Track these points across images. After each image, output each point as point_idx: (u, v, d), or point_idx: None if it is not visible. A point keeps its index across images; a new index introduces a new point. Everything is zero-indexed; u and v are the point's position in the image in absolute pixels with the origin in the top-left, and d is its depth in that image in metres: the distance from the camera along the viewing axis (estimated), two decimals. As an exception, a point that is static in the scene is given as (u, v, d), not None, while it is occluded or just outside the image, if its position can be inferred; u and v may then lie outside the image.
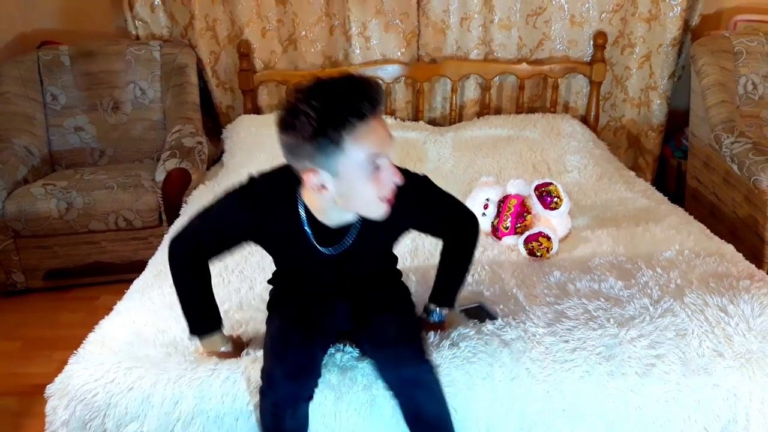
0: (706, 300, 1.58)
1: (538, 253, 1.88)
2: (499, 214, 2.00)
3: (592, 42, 2.97)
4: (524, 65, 2.98)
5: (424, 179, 1.37)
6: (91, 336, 1.50)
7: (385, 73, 2.94)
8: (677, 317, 1.53)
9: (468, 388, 1.41)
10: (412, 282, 1.70)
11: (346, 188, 1.16)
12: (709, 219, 2.71)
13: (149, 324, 1.54)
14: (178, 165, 2.46)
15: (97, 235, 2.56)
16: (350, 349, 1.46)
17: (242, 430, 1.37)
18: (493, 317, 1.57)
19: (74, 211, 2.50)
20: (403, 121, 2.98)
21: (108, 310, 1.64)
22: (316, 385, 1.31)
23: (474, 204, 2.01)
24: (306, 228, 1.28)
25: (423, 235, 1.66)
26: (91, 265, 2.59)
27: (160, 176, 2.45)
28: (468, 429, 1.40)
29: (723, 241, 1.97)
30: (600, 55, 2.95)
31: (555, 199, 1.96)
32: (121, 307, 1.64)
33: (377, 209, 1.20)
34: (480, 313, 1.58)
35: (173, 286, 1.37)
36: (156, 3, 2.98)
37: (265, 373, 1.28)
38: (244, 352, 1.45)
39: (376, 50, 2.99)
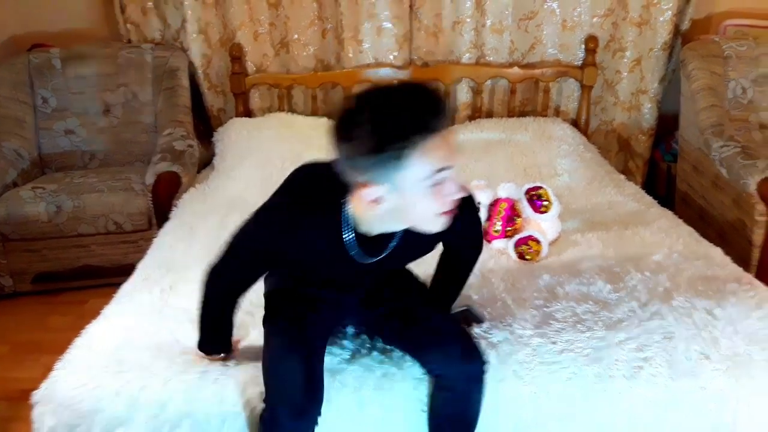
0: (693, 303, 1.59)
1: (528, 257, 1.88)
2: (489, 218, 2.01)
3: (583, 46, 2.98)
4: (516, 69, 2.99)
5: (469, 194, 1.32)
6: (77, 341, 1.49)
7: (378, 77, 2.94)
8: (665, 320, 1.54)
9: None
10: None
11: (404, 203, 1.08)
12: (698, 222, 2.72)
13: (136, 328, 1.53)
14: (169, 168, 2.46)
15: (87, 239, 2.55)
16: (339, 351, 1.46)
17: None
18: (480, 320, 1.57)
19: (63, 215, 2.49)
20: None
21: (97, 314, 1.63)
22: (320, 411, 1.28)
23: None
24: (349, 240, 1.21)
25: None
26: (80, 268, 2.58)
27: (150, 179, 2.45)
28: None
29: (711, 244, 1.97)
30: (591, 60, 2.96)
31: (545, 203, 1.97)
32: (108, 311, 1.63)
33: (435, 223, 1.14)
34: (467, 317, 1.58)
35: (199, 305, 1.36)
36: (148, 6, 2.98)
37: (269, 408, 1.26)
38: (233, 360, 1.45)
39: (369, 54, 3.00)
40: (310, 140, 2.68)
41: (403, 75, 2.96)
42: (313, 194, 1.21)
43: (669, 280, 1.69)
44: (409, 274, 1.54)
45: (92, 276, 2.58)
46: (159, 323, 1.54)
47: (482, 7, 2.93)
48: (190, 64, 2.99)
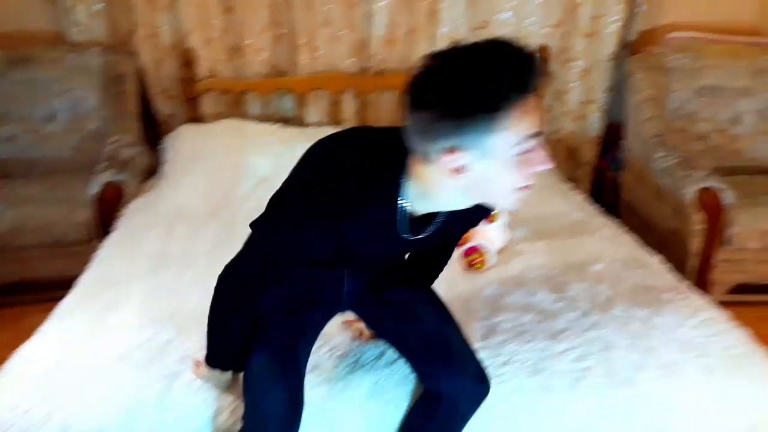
0: (632, 313, 1.63)
1: (475, 267, 1.90)
2: (438, 228, 2.02)
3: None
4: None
5: None
6: (9, 361, 1.44)
7: (332, 84, 2.94)
8: (605, 330, 1.58)
9: (403, 402, 1.41)
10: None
11: (490, 172, 0.98)
12: (642, 230, 2.79)
13: (73, 347, 1.48)
14: (113, 178, 2.39)
15: (27, 251, 2.45)
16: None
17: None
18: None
19: (2, 225, 2.40)
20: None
21: (35, 331, 1.58)
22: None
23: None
24: (400, 218, 1.10)
25: None
26: (19, 282, 2.48)
27: (94, 189, 2.38)
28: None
29: (652, 253, 2.04)
30: (543, 69, 3.00)
31: (493, 212, 1.99)
32: (45, 329, 1.57)
33: (511, 199, 1.03)
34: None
35: (217, 311, 1.23)
36: (96, 8, 2.90)
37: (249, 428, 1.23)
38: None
39: (324, 60, 2.99)
40: (262, 147, 2.66)
41: (360, 82, 2.96)
42: (366, 170, 1.07)
43: (609, 289, 1.74)
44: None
45: (32, 291, 2.47)
46: (97, 342, 1.50)
47: (436, 16, 2.95)
48: (140, 69, 2.93)
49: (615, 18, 2.98)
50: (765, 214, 2.47)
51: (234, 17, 2.92)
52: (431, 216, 1.13)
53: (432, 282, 1.49)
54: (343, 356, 1.48)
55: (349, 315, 1.48)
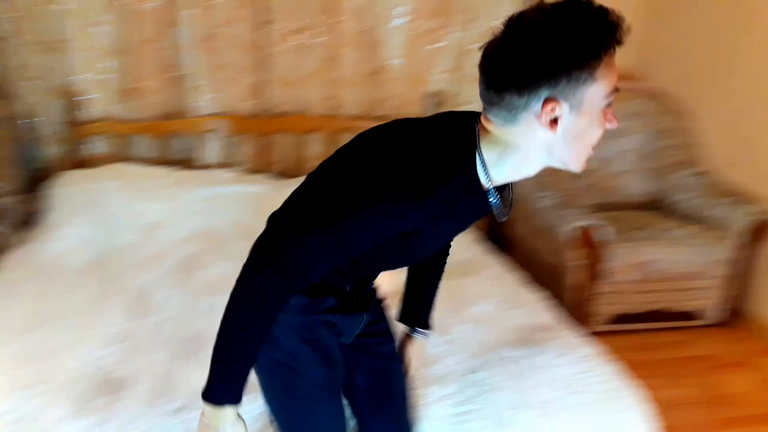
0: (512, 353, 1.71)
1: (366, 312, 1.93)
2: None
3: (430, 100, 3.16)
4: (367, 122, 3.09)
5: None
6: None
7: (230, 127, 2.92)
8: (486, 372, 1.64)
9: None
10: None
11: (577, 126, 0.99)
12: (528, 265, 2.94)
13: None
14: (-13, 228, 2.26)
15: None
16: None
17: None
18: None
19: None
20: (247, 174, 2.96)
21: None
22: None
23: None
24: (486, 183, 1.06)
25: None
26: None
27: (-35, 241, 2.23)
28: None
29: (536, 290, 2.14)
30: (436, 113, 3.13)
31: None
32: None
33: (582, 159, 1.05)
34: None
35: (225, 328, 1.04)
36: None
37: None
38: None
39: (220, 102, 2.97)
40: (153, 192, 2.59)
41: (257, 124, 2.96)
42: (438, 142, 1.04)
43: (492, 330, 1.81)
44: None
45: None
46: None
47: (334, 60, 3.02)
48: (22, 113, 2.78)
49: (501, 65, 3.16)
50: (639, 248, 2.67)
51: (126, 59, 2.85)
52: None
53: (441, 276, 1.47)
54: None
55: None
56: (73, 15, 2.71)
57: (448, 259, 1.47)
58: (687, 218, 2.94)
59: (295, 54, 2.97)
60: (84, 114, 2.81)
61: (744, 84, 2.87)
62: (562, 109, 0.97)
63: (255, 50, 2.92)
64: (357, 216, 1.01)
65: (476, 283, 2.12)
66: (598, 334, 2.70)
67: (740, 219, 2.73)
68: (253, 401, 1.30)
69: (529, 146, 1.02)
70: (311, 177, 1.18)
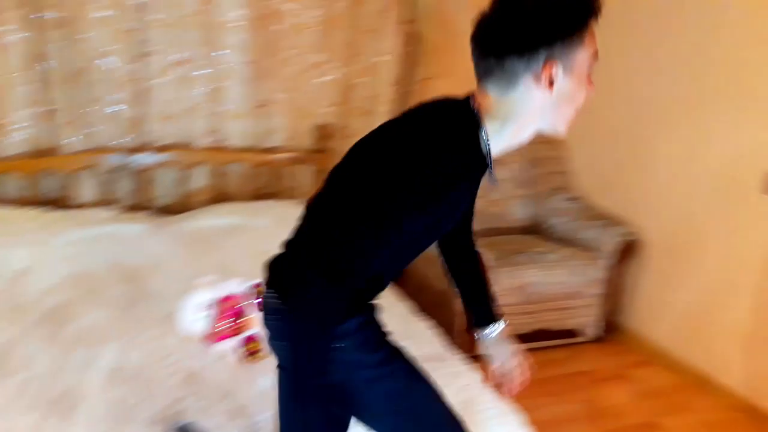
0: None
1: (254, 356, 1.88)
2: (215, 317, 1.97)
3: (317, 133, 3.17)
4: (253, 154, 3.06)
5: None
6: None
7: (109, 162, 2.78)
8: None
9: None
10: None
11: (569, 88, 1.10)
12: (419, 292, 3.01)
13: None
14: None
15: None
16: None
17: None
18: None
19: None
20: (126, 212, 2.81)
21: None
22: None
23: (188, 309, 1.96)
24: (489, 161, 1.15)
25: None
26: None
27: None
28: None
29: (424, 318, 2.18)
30: (324, 146, 3.15)
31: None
32: None
33: (568, 120, 1.16)
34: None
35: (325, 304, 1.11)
36: None
37: None
38: None
39: (98, 137, 2.82)
40: (18, 236, 2.40)
41: (136, 159, 2.84)
42: (464, 120, 1.11)
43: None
44: None
45: None
46: None
47: (218, 93, 2.96)
48: None
49: (387, 98, 3.24)
50: (519, 272, 2.80)
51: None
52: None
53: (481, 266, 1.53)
54: None
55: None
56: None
57: None
58: (563, 241, 3.13)
59: (176, 87, 2.89)
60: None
61: (610, 115, 3.11)
62: (557, 70, 1.07)
63: (133, 83, 2.81)
64: (415, 192, 1.08)
65: (365, 317, 2.12)
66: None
67: (610, 240, 2.94)
68: None
69: (527, 111, 1.12)
70: (333, 188, 1.20)
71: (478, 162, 1.13)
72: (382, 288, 1.33)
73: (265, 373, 1.76)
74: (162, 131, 2.93)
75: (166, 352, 1.90)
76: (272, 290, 1.17)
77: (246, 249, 2.61)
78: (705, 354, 2.73)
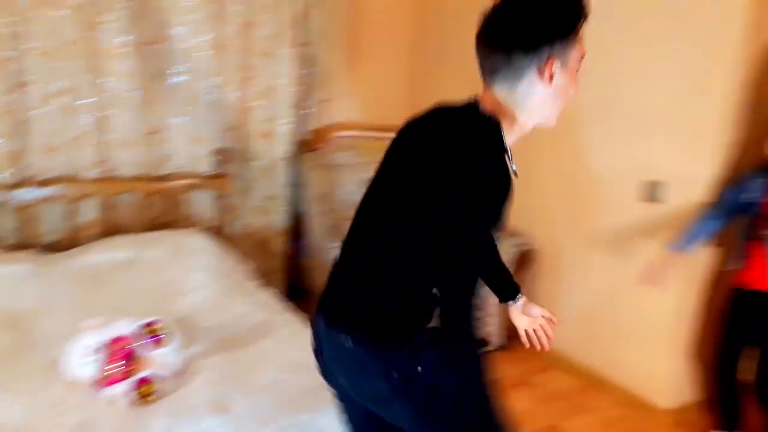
0: (294, 420, 1.70)
1: (147, 399, 1.80)
2: (105, 360, 1.88)
3: (215, 157, 3.10)
4: (147, 183, 2.95)
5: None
6: None
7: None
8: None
9: None
10: None
11: (563, 82, 1.24)
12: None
13: None
14: None
15: None
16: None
17: None
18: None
19: None
20: (8, 251, 2.63)
21: None
22: None
23: (75, 353, 1.86)
24: (512, 163, 1.27)
25: None
26: None
27: None
28: None
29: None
30: (223, 170, 3.09)
31: (162, 336, 1.93)
32: None
33: (558, 114, 1.30)
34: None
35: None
36: None
37: None
38: None
39: (-30, 173, 2.63)
40: None
41: (17, 195, 2.66)
42: (493, 125, 1.24)
43: (275, 398, 1.78)
44: None
45: None
46: None
47: (105, 121, 2.84)
48: None
49: (286, 121, 3.22)
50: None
51: None
52: None
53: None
54: None
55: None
56: None
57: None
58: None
59: (59, 116, 2.75)
60: None
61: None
62: (556, 66, 1.22)
63: (9, 115, 2.64)
64: (481, 198, 1.20)
65: (268, 347, 2.08)
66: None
67: (506, 251, 3.05)
68: None
69: (532, 103, 1.26)
70: (397, 218, 1.27)
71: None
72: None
73: (159, 417, 1.70)
74: (45, 164, 2.77)
75: (51, 402, 1.78)
76: (367, 332, 1.24)
77: (141, 284, 2.51)
78: (600, 355, 2.89)
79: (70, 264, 2.54)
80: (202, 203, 3.16)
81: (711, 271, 2.59)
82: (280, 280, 3.37)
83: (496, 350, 3.14)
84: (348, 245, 1.36)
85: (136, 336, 1.93)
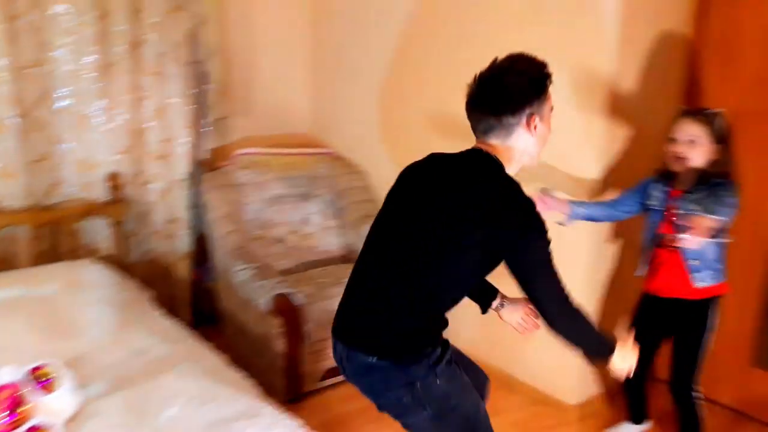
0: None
1: (37, 449, 1.68)
2: (-12, 412, 1.74)
3: (108, 182, 2.95)
4: (35, 213, 2.78)
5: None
6: None
7: None
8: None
9: None
10: None
11: (542, 130, 1.57)
12: (238, 337, 2.93)
13: None
14: None
15: None
16: None
17: None
18: None
19: None
20: None
21: None
22: None
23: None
24: None
25: None
26: None
27: None
28: None
29: (236, 373, 2.11)
30: (117, 196, 2.95)
31: (52, 380, 1.81)
32: None
33: (540, 153, 1.62)
34: None
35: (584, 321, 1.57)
36: None
37: None
38: None
39: None
40: None
41: None
42: (493, 167, 1.55)
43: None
44: None
45: None
46: None
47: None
48: None
49: (183, 140, 3.12)
50: (329, 307, 2.78)
51: None
52: None
53: None
54: None
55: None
56: None
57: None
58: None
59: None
60: None
61: (400, 145, 3.29)
62: (537, 120, 1.54)
63: None
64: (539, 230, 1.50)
65: (171, 382, 1.99)
66: (312, 393, 2.79)
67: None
68: None
69: (520, 150, 1.57)
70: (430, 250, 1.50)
71: None
72: None
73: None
74: None
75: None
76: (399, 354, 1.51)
77: (32, 323, 2.35)
78: (506, 356, 2.97)
79: (-53, 308, 2.34)
80: (97, 232, 3.01)
81: (618, 274, 2.70)
82: (187, 307, 3.27)
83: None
84: (364, 274, 1.62)
85: (23, 383, 1.80)
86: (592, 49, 2.40)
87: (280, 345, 2.61)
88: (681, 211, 2.10)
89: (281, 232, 3.23)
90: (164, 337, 2.34)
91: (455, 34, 2.88)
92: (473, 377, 1.70)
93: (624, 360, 1.64)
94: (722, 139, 2.06)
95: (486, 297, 1.83)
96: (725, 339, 2.53)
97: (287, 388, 2.69)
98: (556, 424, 2.71)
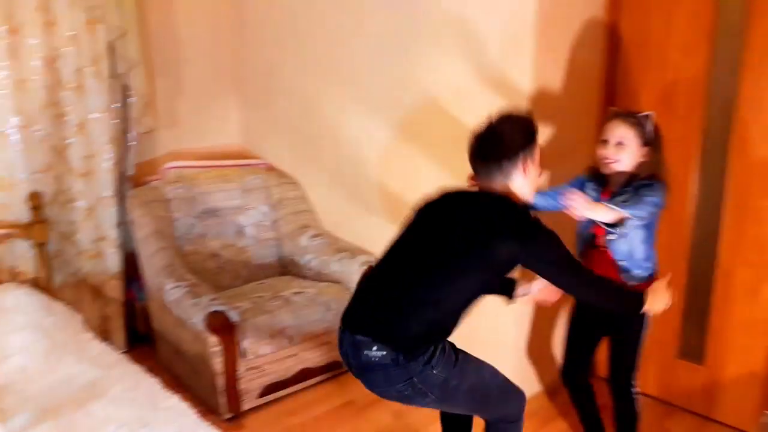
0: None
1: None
2: None
3: (28, 202, 2.81)
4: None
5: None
6: None
7: None
8: None
9: None
10: None
11: (533, 171, 1.84)
12: (174, 357, 2.85)
13: None
14: None
15: None
16: None
17: None
18: None
19: None
20: None
21: None
22: None
23: None
24: None
25: None
26: None
27: None
28: None
29: (173, 393, 2.05)
30: (38, 216, 2.81)
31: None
32: None
33: (533, 191, 1.90)
34: None
35: (610, 297, 1.93)
36: None
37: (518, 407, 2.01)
38: None
39: None
40: None
41: None
42: (503, 197, 1.82)
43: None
44: None
45: None
46: None
47: None
48: None
49: (108, 156, 3.01)
50: (275, 318, 2.76)
51: None
52: None
53: None
54: None
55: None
56: None
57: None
58: (316, 277, 3.19)
59: None
60: None
61: (330, 157, 3.28)
62: (529, 163, 1.81)
63: None
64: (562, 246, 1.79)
65: (102, 408, 1.91)
66: (253, 410, 2.74)
67: (355, 269, 3.08)
68: None
69: (519, 188, 1.83)
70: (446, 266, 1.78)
71: None
72: None
73: None
74: None
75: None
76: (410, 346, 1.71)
77: (-54, 356, 2.21)
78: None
79: None
80: (19, 255, 2.86)
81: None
82: (120, 328, 3.15)
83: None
84: (380, 282, 1.85)
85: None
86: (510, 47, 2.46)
87: (217, 363, 2.55)
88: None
89: (215, 246, 3.16)
90: (95, 361, 2.25)
91: (377, 45, 2.90)
92: None
93: (658, 301, 1.92)
94: (651, 141, 2.11)
95: (507, 288, 2.10)
96: (652, 332, 2.63)
97: (227, 407, 2.63)
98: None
